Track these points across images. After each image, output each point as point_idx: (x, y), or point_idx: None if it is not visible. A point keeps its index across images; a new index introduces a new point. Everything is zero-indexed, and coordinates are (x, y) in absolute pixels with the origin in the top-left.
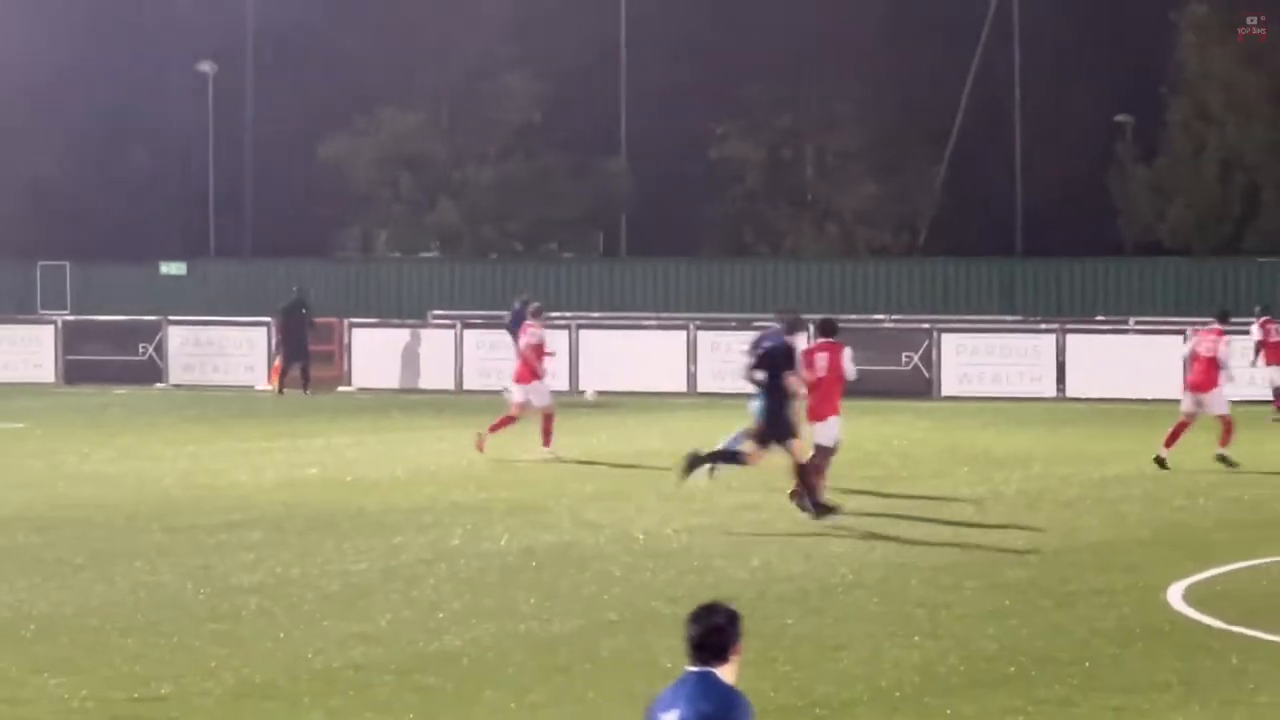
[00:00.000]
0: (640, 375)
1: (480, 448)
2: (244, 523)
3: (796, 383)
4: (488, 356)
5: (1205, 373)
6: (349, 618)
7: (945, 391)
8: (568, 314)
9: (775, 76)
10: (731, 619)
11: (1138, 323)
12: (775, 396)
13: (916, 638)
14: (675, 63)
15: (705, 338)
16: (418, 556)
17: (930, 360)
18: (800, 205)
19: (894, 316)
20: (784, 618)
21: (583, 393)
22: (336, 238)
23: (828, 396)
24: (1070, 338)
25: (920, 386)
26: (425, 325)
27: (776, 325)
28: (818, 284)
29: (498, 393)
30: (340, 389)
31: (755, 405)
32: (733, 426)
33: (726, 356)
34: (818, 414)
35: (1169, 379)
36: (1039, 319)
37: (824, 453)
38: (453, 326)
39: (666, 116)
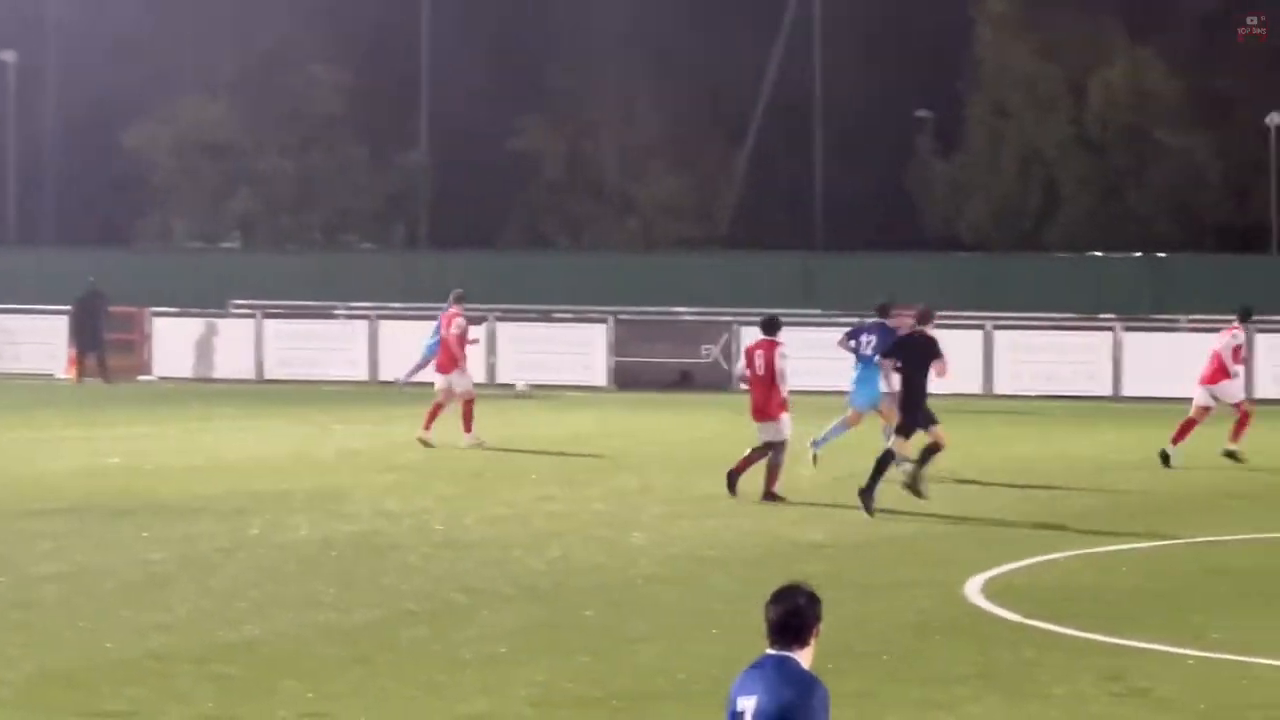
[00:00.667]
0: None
1: (426, 442)
2: (44, 511)
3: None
4: (287, 346)
5: (1218, 367)
6: (148, 607)
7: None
8: (366, 305)
9: (576, 68)
10: (812, 600)
11: (937, 317)
12: (911, 386)
13: (716, 630)
14: (477, 54)
15: (505, 329)
16: (217, 546)
17: (730, 353)
18: (601, 197)
19: (693, 309)
20: (583, 609)
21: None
22: (137, 226)
23: (771, 394)
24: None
25: (720, 379)
26: (225, 315)
27: (876, 318)
28: (617, 276)
29: (300, 382)
30: (141, 378)
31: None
32: (534, 419)
33: (526, 348)
34: (765, 412)
35: (968, 373)
36: (838, 312)
37: (779, 448)
38: (253, 316)
39: (468, 108)
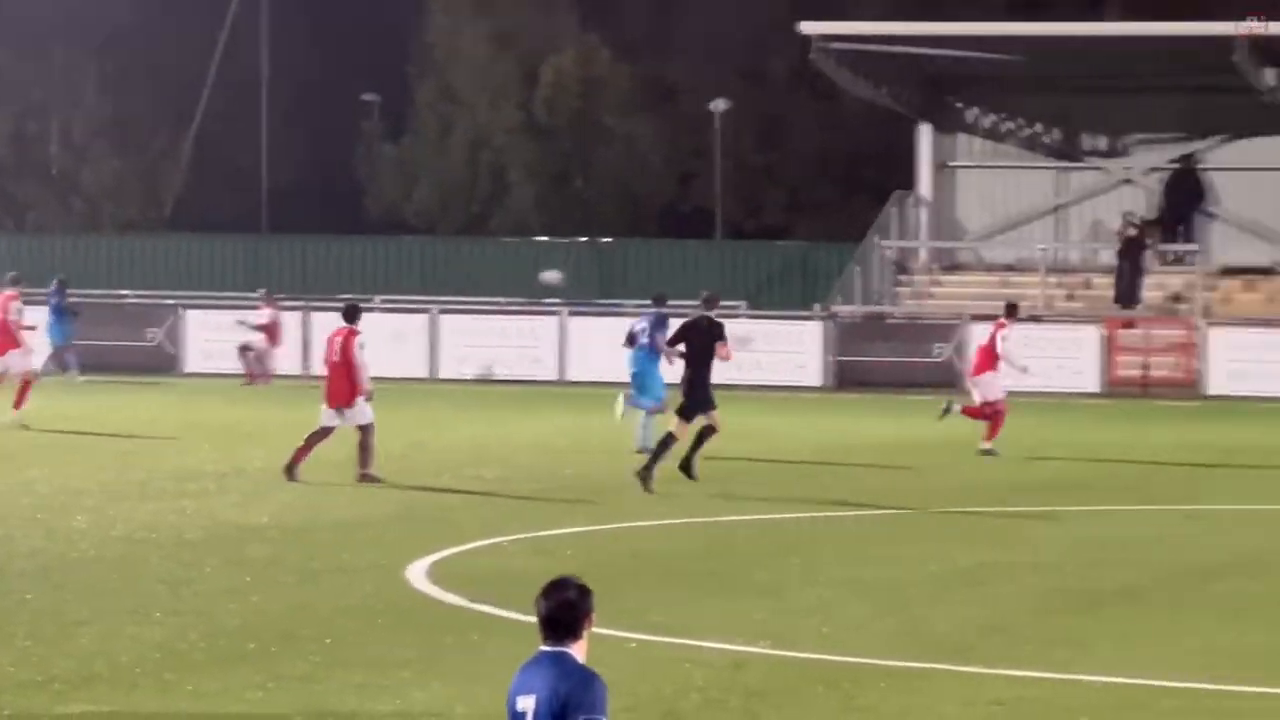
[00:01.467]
0: None
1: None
2: None
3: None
4: None
5: (979, 359)
6: None
7: (190, 369)
8: None
9: (20, 47)
10: (583, 593)
11: (383, 301)
12: (695, 369)
13: (157, 614)
14: None
15: None
16: None
17: (176, 336)
18: (45, 179)
19: (139, 292)
20: (24, 593)
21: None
22: None
23: (347, 378)
24: (315, 315)
25: (164, 362)
26: None
27: (654, 307)
28: (62, 259)
29: None
30: None
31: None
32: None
33: None
34: (340, 397)
35: (414, 357)
36: (283, 295)
37: (368, 430)
38: None
39: None
